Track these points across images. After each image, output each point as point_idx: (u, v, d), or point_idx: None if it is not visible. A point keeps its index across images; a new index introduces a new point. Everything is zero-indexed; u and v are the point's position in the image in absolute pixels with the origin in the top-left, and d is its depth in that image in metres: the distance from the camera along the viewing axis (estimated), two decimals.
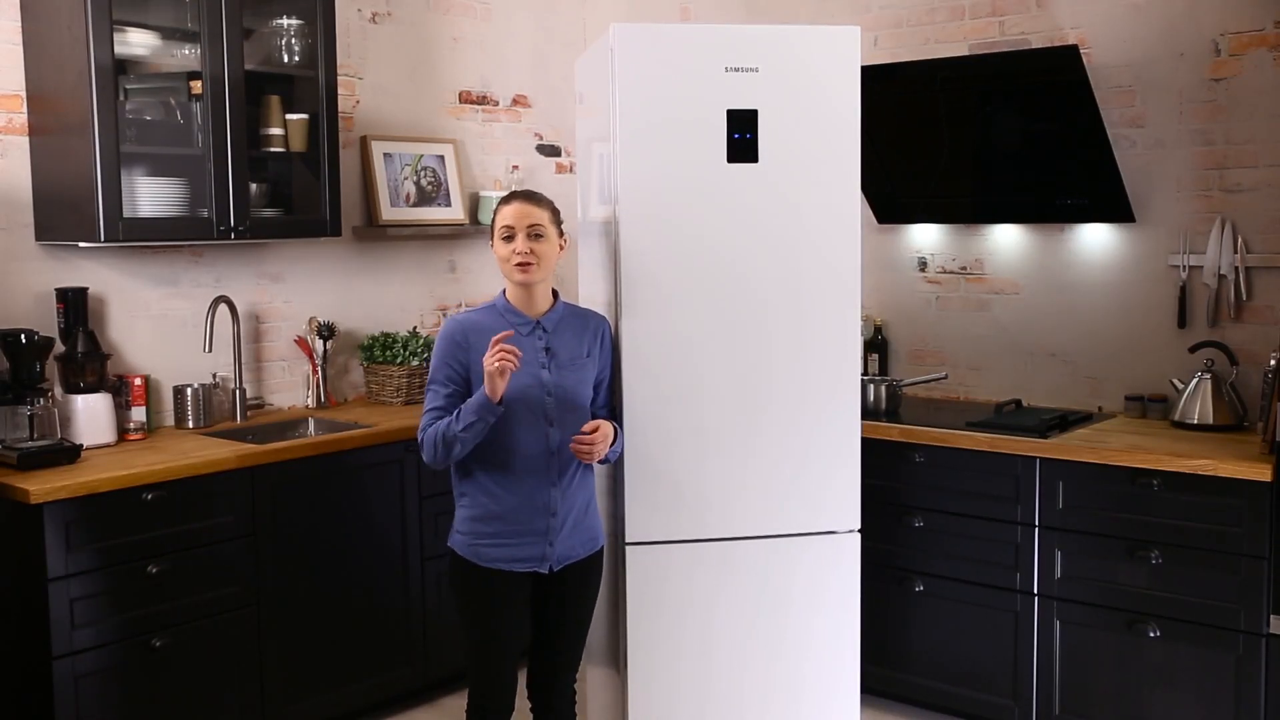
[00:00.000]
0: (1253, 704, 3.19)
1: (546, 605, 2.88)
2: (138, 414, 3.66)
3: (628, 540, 3.06)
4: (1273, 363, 3.27)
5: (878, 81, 3.64)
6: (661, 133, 3.01)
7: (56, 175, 3.51)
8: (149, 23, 3.58)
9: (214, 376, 3.98)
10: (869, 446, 3.33)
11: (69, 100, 3.41)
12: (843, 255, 3.12)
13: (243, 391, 4.01)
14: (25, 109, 3.56)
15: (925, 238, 4.31)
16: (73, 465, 3.26)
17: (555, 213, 2.84)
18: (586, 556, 2.90)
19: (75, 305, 3.55)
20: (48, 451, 3.25)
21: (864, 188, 3.50)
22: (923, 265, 4.33)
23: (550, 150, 5.10)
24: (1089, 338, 3.98)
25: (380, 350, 4.31)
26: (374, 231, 4.42)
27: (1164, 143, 3.77)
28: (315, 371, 4.23)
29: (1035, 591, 3.52)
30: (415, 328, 4.56)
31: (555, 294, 2.91)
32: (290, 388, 4.26)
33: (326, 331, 4.24)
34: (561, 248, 2.85)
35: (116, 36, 3.39)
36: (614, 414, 3.00)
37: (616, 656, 3.18)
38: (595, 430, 2.76)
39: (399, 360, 4.27)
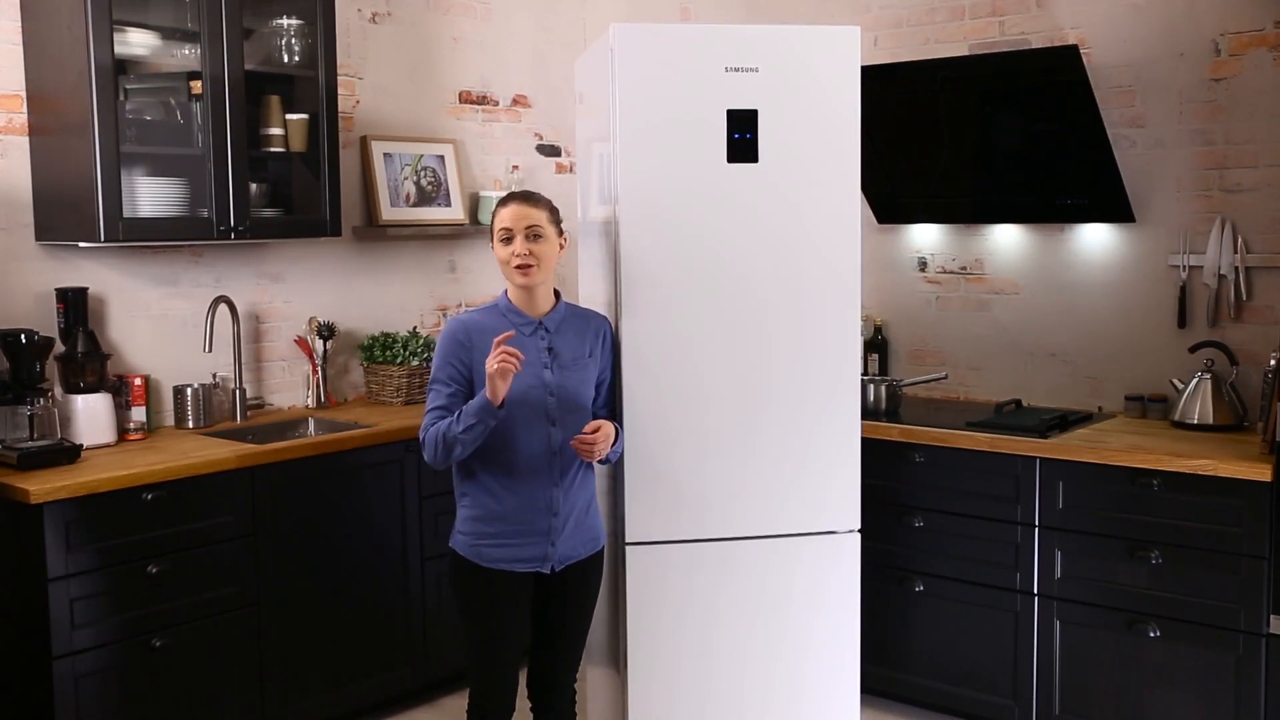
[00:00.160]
0: (1253, 704, 3.19)
1: (547, 605, 2.88)
2: (138, 414, 3.66)
3: (628, 540, 3.06)
4: (1273, 363, 3.27)
5: (878, 81, 3.64)
6: (661, 133, 3.01)
7: (56, 175, 3.51)
8: (149, 23, 3.58)
9: (214, 376, 3.98)
10: (869, 446, 3.33)
11: (69, 100, 3.41)
12: (843, 255, 3.12)
13: (243, 391, 4.01)
14: (25, 109, 3.56)
15: (925, 238, 4.31)
16: (73, 465, 3.26)
17: (553, 212, 2.84)
18: (588, 556, 2.90)
19: (75, 305, 3.55)
20: (48, 451, 3.25)
21: (864, 188, 3.50)
22: (923, 265, 4.33)
23: (550, 150, 5.10)
24: (1089, 338, 3.98)
25: (380, 350, 4.31)
26: (374, 231, 4.42)
27: (1164, 143, 3.77)
28: (315, 371, 4.23)
29: (1035, 591, 3.52)
30: (415, 328, 4.56)
31: (557, 294, 2.91)
32: (290, 388, 4.26)
33: (326, 331, 4.24)
34: (561, 247, 2.85)
35: (116, 36, 3.39)
36: (614, 414, 3.00)
37: (616, 656, 3.18)
38: (597, 430, 2.76)
39: (399, 360, 4.27)
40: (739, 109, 3.03)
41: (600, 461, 2.85)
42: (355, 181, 4.40)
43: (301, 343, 4.24)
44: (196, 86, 3.62)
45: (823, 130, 3.08)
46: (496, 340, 2.62)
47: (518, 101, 4.96)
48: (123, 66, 3.52)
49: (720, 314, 3.07)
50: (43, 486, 3.02)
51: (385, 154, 4.46)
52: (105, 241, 3.41)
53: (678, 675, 3.13)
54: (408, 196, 4.51)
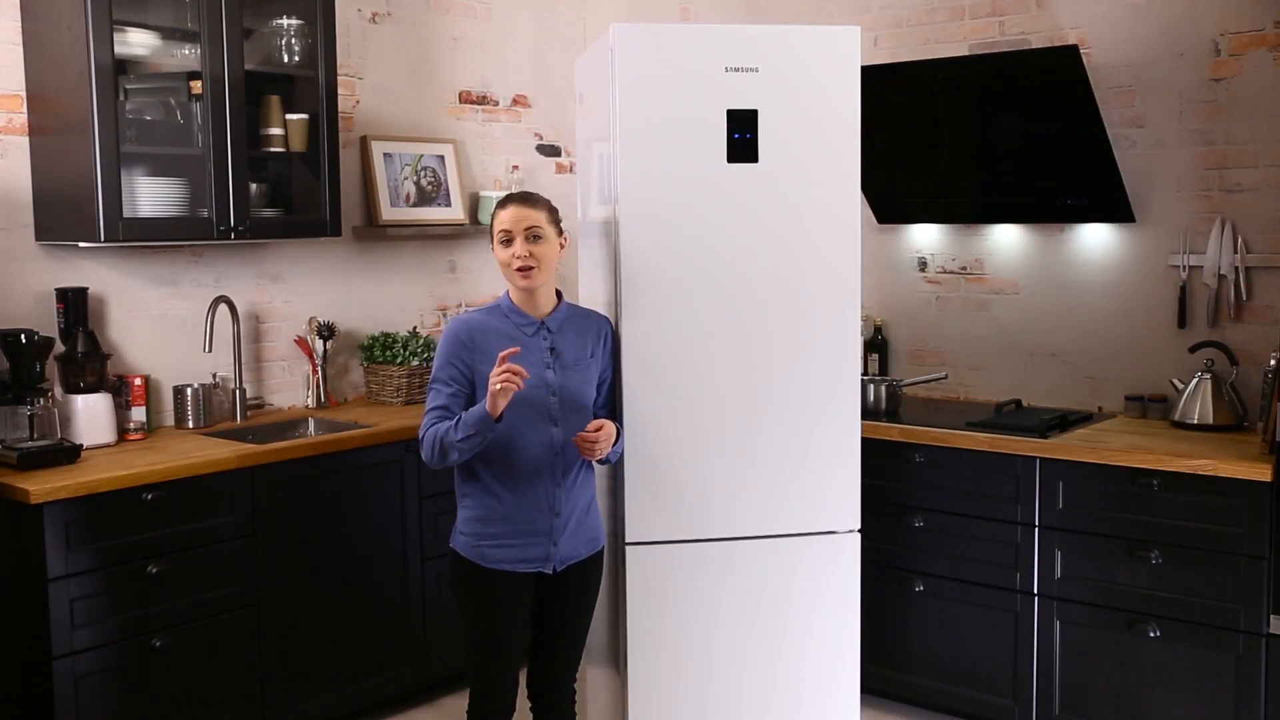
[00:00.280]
0: (1253, 704, 3.19)
1: (548, 605, 2.88)
2: (138, 414, 3.66)
3: (628, 540, 3.06)
4: (1273, 363, 3.27)
5: (878, 81, 3.64)
6: (661, 133, 3.01)
7: (56, 175, 3.51)
8: (149, 23, 3.58)
9: (214, 376, 3.98)
10: (869, 446, 3.33)
11: (69, 100, 3.41)
12: (843, 255, 3.12)
13: (243, 391, 4.01)
14: (25, 109, 3.56)
15: (925, 238, 4.31)
16: (73, 465, 3.26)
17: (553, 212, 2.84)
18: (588, 557, 2.90)
19: (75, 305, 3.55)
20: (48, 451, 3.25)
21: (864, 188, 3.50)
22: (923, 265, 4.33)
23: (550, 150, 5.10)
24: (1089, 338, 3.98)
25: (380, 350, 4.31)
26: (374, 231, 4.42)
27: (1164, 143, 3.77)
28: (315, 371, 4.23)
29: (1035, 591, 3.52)
30: (415, 328, 4.56)
31: (559, 294, 2.91)
32: (290, 388, 4.26)
33: (326, 331, 4.24)
34: (562, 247, 2.85)
35: (116, 36, 3.39)
36: (614, 414, 3.00)
37: (616, 656, 3.18)
38: (600, 429, 2.76)
39: (399, 360, 4.27)
40: (739, 109, 3.03)
41: (600, 461, 2.85)
42: (355, 181, 4.40)
43: (301, 343, 4.24)
44: (196, 86, 3.62)
45: (823, 130, 3.08)
46: (501, 355, 2.61)
47: (518, 101, 4.96)
48: (123, 66, 3.52)
49: (720, 314, 3.07)
50: (43, 486, 3.02)
51: (385, 154, 4.46)
52: (105, 241, 3.41)
53: (678, 675, 3.13)
54: (408, 196, 4.51)
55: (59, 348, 3.53)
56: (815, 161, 3.08)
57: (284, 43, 3.89)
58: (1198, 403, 3.59)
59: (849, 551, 3.19)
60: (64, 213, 3.49)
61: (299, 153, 3.95)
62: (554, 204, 2.87)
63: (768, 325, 3.09)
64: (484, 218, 4.61)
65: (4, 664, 3.22)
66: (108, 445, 3.52)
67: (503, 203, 2.82)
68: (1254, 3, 3.59)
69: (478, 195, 4.73)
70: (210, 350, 3.87)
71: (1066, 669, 3.50)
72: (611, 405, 3.00)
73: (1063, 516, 3.46)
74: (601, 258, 3.18)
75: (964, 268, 4.24)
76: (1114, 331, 3.93)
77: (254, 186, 3.81)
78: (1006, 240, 4.14)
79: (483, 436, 2.66)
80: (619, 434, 2.94)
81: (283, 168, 4.02)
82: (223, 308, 3.95)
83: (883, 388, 4.01)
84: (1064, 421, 3.69)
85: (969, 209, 4.18)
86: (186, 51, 3.64)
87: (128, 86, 3.59)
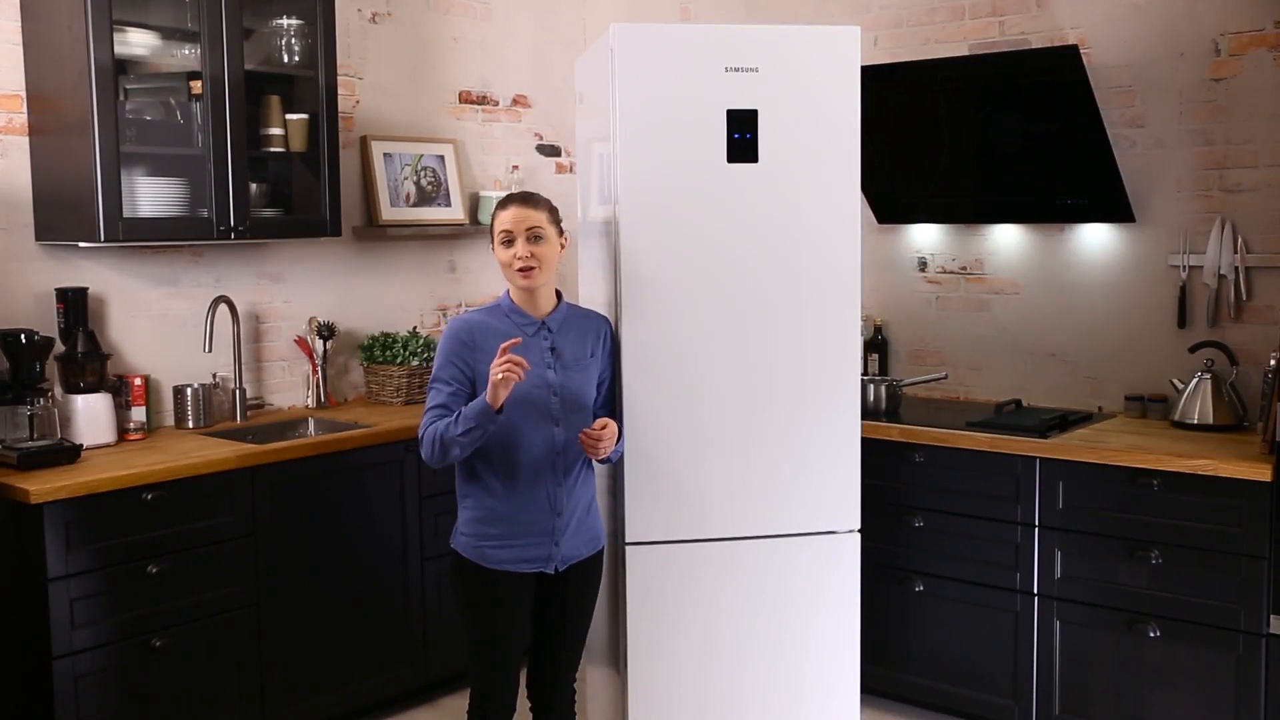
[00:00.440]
0: (1253, 704, 3.19)
1: (549, 605, 2.88)
2: (138, 414, 3.66)
3: (628, 540, 3.06)
4: (1273, 363, 3.27)
5: (878, 81, 3.64)
6: (661, 133, 3.01)
7: (56, 175, 3.51)
8: (149, 23, 3.58)
9: (214, 376, 3.98)
10: (869, 446, 3.33)
11: (69, 100, 3.41)
12: (843, 255, 3.12)
13: (243, 391, 4.01)
14: (25, 109, 3.56)
15: (925, 238, 4.31)
16: (73, 465, 3.26)
17: (553, 212, 2.84)
18: (589, 556, 2.90)
19: (75, 305, 3.55)
20: (48, 451, 3.25)
21: (864, 188, 3.50)
22: (923, 265, 4.33)
23: (550, 150, 5.10)
24: (1089, 338, 3.98)
25: (380, 350, 4.31)
26: (374, 231, 4.43)
27: (1164, 143, 3.77)
28: (315, 371, 4.23)
29: (1035, 591, 3.52)
30: (415, 328, 4.56)
31: (559, 294, 2.91)
32: (290, 388, 4.26)
33: (326, 331, 4.24)
34: (562, 247, 2.85)
35: (116, 36, 3.39)
36: (613, 414, 3.00)
37: (616, 656, 3.18)
38: (604, 427, 2.76)
39: (399, 360, 4.27)
40: (739, 109, 3.03)
41: (601, 461, 2.85)
42: (355, 181, 4.40)
43: (301, 343, 4.24)
44: (196, 86, 3.62)
45: (823, 130, 3.08)
46: (503, 346, 2.61)
47: (518, 101, 4.96)
48: (123, 66, 3.52)
49: (720, 314, 3.07)
50: (43, 486, 3.02)
51: (385, 154, 4.46)
52: (105, 241, 3.41)
53: (678, 675, 3.13)
54: (408, 196, 4.51)
55: (59, 348, 3.53)
56: (815, 161, 3.08)
57: (284, 43, 3.89)
58: (1198, 403, 3.59)
59: (849, 551, 3.19)
60: (64, 213, 3.49)
61: (299, 153, 3.95)
62: (554, 204, 2.87)
63: (768, 325, 3.09)
64: (484, 218, 4.61)
65: (4, 664, 3.22)
66: (108, 445, 3.52)
67: (503, 203, 2.82)
68: (1254, 3, 3.59)
69: (478, 195, 4.73)
70: (210, 350, 3.87)
71: (1066, 669, 3.50)
72: (611, 405, 3.00)
73: (1063, 516, 3.46)
74: (601, 258, 3.18)
75: (964, 268, 4.24)
76: (1114, 331, 3.93)
77: (254, 186, 3.81)
78: (1006, 240, 4.14)
79: (483, 429, 2.65)
80: (620, 434, 2.94)
81: (283, 168, 4.02)
82: (223, 308, 3.95)
83: (883, 388, 4.01)
84: (1064, 421, 3.69)
85: (969, 209, 4.18)
86: (186, 51, 3.64)
87: (128, 86, 3.59)
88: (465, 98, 4.76)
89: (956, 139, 4.06)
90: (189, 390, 3.84)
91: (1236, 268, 3.65)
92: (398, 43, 4.52)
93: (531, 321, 2.82)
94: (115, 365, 3.71)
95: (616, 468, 3.07)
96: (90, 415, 3.49)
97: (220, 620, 3.39)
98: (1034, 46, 3.95)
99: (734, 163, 3.04)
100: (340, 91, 4.03)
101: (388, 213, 4.43)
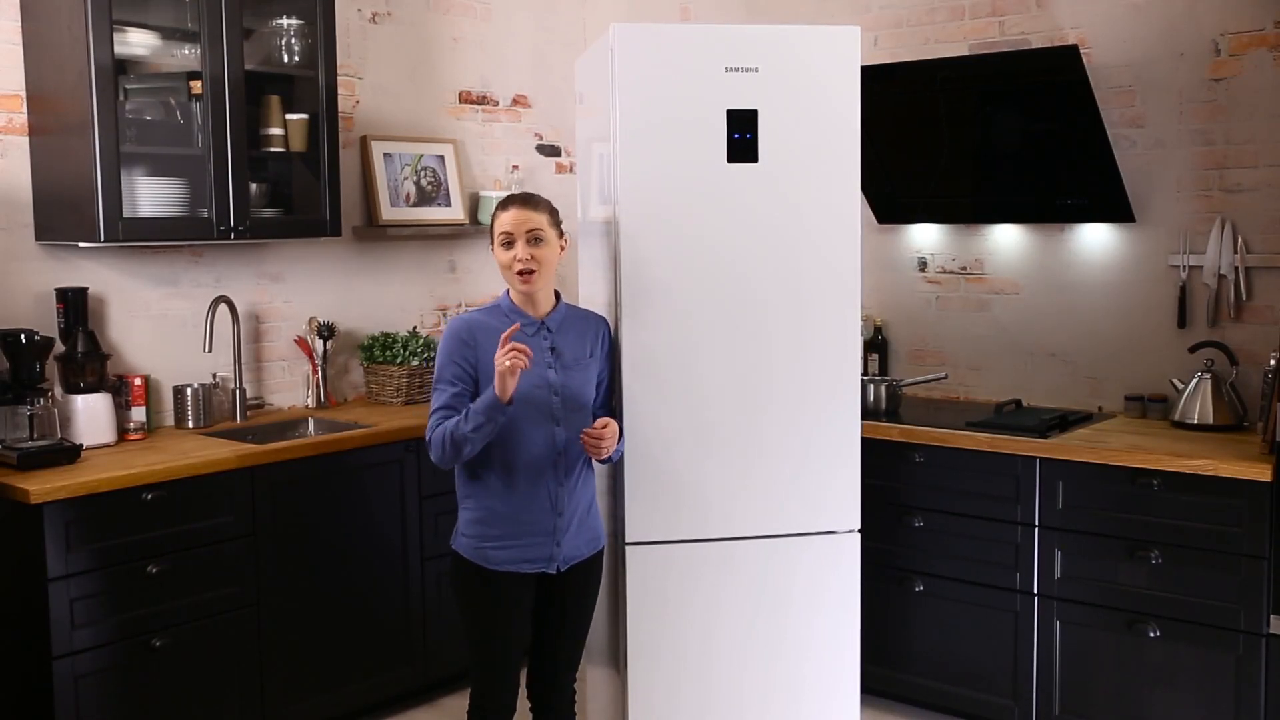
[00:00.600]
0: (1253, 704, 3.19)
1: (549, 606, 2.88)
2: (138, 414, 3.66)
3: (628, 540, 3.06)
4: (1273, 363, 3.27)
5: (878, 81, 3.64)
6: (661, 133, 3.01)
7: (56, 175, 3.51)
8: (149, 23, 3.58)
9: (214, 376, 3.98)
10: (869, 446, 3.33)
11: (69, 100, 3.41)
12: (843, 255, 3.12)
13: (243, 391, 4.01)
14: (25, 109, 3.56)
15: (925, 238, 4.31)
16: (73, 465, 3.26)
17: (553, 213, 2.84)
18: (589, 556, 2.91)
19: (75, 305, 3.55)
20: (48, 451, 3.25)
21: (864, 188, 3.50)
22: (923, 265, 4.33)
23: (550, 150, 5.10)
24: (1089, 338, 3.98)
25: (380, 350, 4.31)
26: (374, 231, 4.42)
27: (1164, 143, 3.77)
28: (315, 371, 4.23)
29: (1035, 591, 3.52)
30: (415, 328, 4.56)
31: (557, 295, 2.91)
32: (290, 388, 4.26)
33: (326, 331, 4.24)
34: (562, 248, 2.85)
35: (116, 36, 3.39)
36: (612, 415, 3.00)
37: (616, 656, 3.18)
38: (605, 426, 2.76)
39: (399, 360, 4.27)
40: (739, 109, 3.03)
41: (601, 461, 2.85)
42: (355, 181, 4.40)
43: (301, 343, 4.24)
44: (196, 86, 3.62)
45: (823, 130, 3.08)
46: (504, 335, 2.61)
47: (518, 101, 4.96)
48: (123, 66, 3.52)
49: (720, 314, 3.07)
50: (43, 486, 3.02)
51: (385, 154, 4.46)
52: (105, 241, 3.41)
53: (678, 675, 3.13)
54: (408, 196, 4.51)
55: (59, 348, 3.53)
56: (815, 161, 3.08)
57: (284, 43, 3.89)
58: (1198, 403, 3.59)
59: (849, 551, 3.19)
60: (64, 213, 3.49)
61: (299, 153, 3.95)
62: (554, 204, 2.87)
63: (768, 325, 3.09)
64: (484, 218, 4.61)
65: (4, 664, 3.22)
66: (108, 445, 3.52)
67: (503, 204, 2.82)
68: (1254, 3, 3.59)
69: (478, 195, 4.73)
70: (210, 350, 3.87)
71: (1066, 669, 3.50)
72: (609, 405, 3.00)
73: (1063, 516, 3.46)
74: (601, 258, 3.18)
75: (964, 268, 4.24)
76: (1114, 331, 3.93)
77: (254, 186, 3.81)
78: (1006, 240, 4.14)
79: (494, 422, 2.65)
80: (620, 433, 2.94)
81: (283, 168, 4.02)
82: (223, 308, 3.95)
83: (883, 388, 4.01)
84: (1064, 421, 3.69)
85: (969, 209, 4.18)
86: (186, 51, 3.64)
87: (128, 86, 3.59)
88: (465, 98, 4.76)
89: (956, 139, 4.06)
90: (189, 390, 3.84)
91: (1236, 268, 3.65)
92: (398, 43, 4.52)
93: (531, 321, 2.83)
94: (115, 365, 3.71)
95: (616, 468, 3.07)
96: (90, 415, 3.49)
97: (220, 620, 3.39)
98: (1034, 46, 3.95)
99: (734, 163, 3.04)
100: (340, 91, 4.03)
101: (388, 213, 4.43)
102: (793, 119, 3.06)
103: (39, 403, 3.35)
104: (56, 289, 3.58)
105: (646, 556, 3.08)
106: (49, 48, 3.47)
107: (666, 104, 3.01)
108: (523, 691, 2.97)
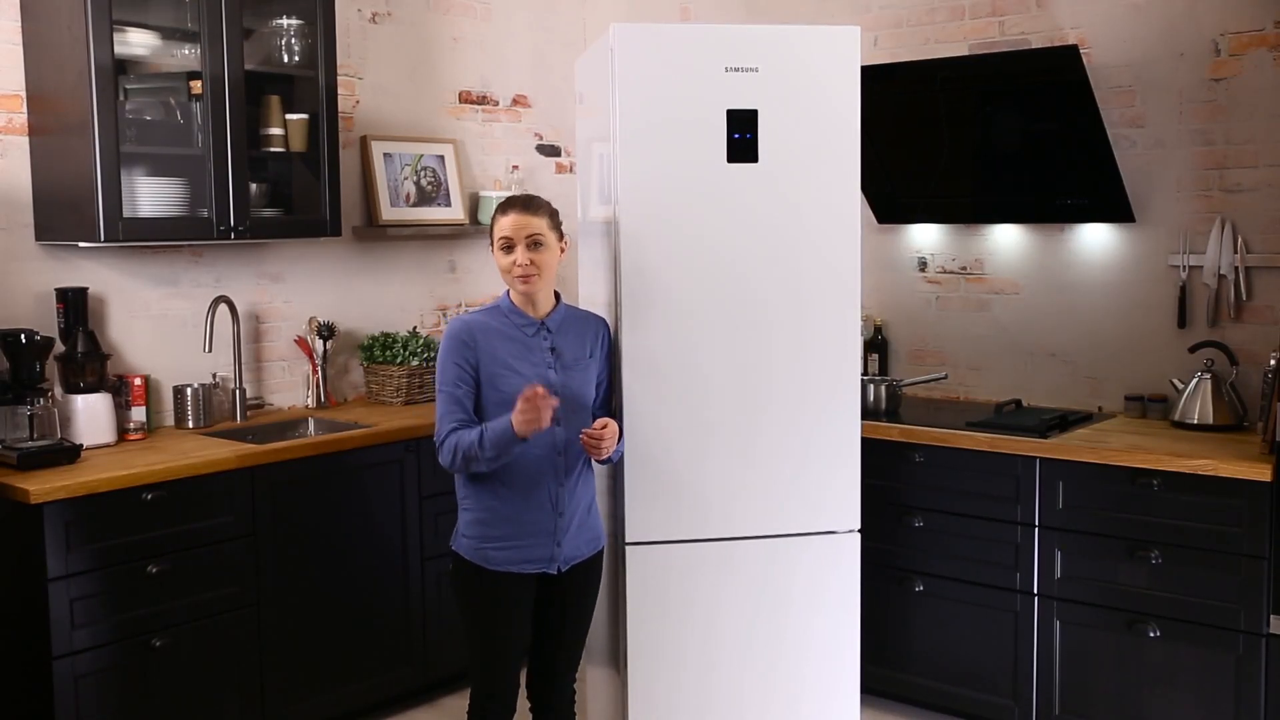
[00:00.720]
0: (1253, 704, 3.19)
1: (549, 606, 2.88)
2: (138, 414, 3.66)
3: (628, 540, 3.06)
4: (1273, 363, 3.27)
5: (878, 81, 3.64)
6: (661, 133, 3.01)
7: (56, 175, 3.51)
8: (149, 23, 3.58)
9: (214, 376, 3.98)
10: (869, 446, 3.33)
11: (69, 100, 3.41)
12: (843, 255, 3.12)
13: (243, 391, 4.01)
14: (25, 109, 3.56)
15: (925, 238, 4.31)
16: (73, 465, 3.26)
17: (553, 216, 2.84)
18: (590, 556, 2.91)
19: (75, 305, 3.55)
20: (48, 451, 3.25)
21: (864, 188, 3.50)
22: (923, 265, 4.33)
23: (550, 150, 5.10)
24: (1089, 338, 3.98)
25: (380, 350, 4.31)
26: (374, 231, 4.42)
27: (1164, 143, 3.77)
28: (315, 371, 4.23)
29: (1035, 591, 3.52)
30: (415, 328, 4.56)
31: (557, 295, 2.91)
32: (290, 388, 4.26)
33: (326, 331, 4.24)
34: (562, 250, 2.85)
35: (116, 36, 3.39)
36: (611, 415, 3.00)
37: (616, 656, 3.18)
38: (605, 427, 2.77)
39: (399, 360, 4.27)
40: (739, 109, 3.03)
41: (601, 461, 2.85)
42: (355, 181, 4.40)
43: (301, 343, 4.24)
44: (196, 86, 3.62)
45: (823, 130, 3.08)
46: (533, 393, 2.60)
47: (518, 101, 4.96)
48: (123, 66, 3.52)
49: (720, 314, 3.07)
50: (43, 486, 3.02)
51: (385, 154, 4.46)
52: (105, 241, 3.41)
53: (678, 675, 3.13)
54: (408, 196, 4.51)
55: (59, 348, 3.53)
56: (815, 161, 3.08)
57: (284, 43, 3.89)
58: (1198, 403, 3.59)
59: (849, 551, 3.19)
60: (64, 213, 3.49)
61: (299, 153, 3.95)
62: (554, 206, 2.86)
63: (768, 325, 3.09)
64: (484, 218, 4.61)
65: (4, 664, 3.22)
66: (108, 445, 3.52)
67: (503, 208, 2.81)
68: (1254, 3, 3.59)
69: (478, 195, 4.73)
70: (210, 350, 3.87)
71: (1066, 669, 3.50)
72: (608, 406, 3.00)
73: (1063, 516, 3.46)
74: (601, 258, 3.18)
75: (964, 268, 4.24)
76: (1114, 331, 3.93)
77: (254, 186, 3.81)
78: (1006, 240, 4.14)
79: (509, 454, 2.71)
80: (620, 434, 2.94)
81: (283, 168, 4.02)
82: (223, 308, 3.95)
83: (883, 388, 4.01)
84: (1064, 421, 3.69)
85: (969, 209, 4.18)
86: (186, 51, 3.64)
87: (128, 86, 3.59)
88: (465, 98, 4.76)
89: (956, 139, 4.06)
90: (189, 390, 3.84)
91: (1236, 268, 3.65)
92: (398, 43, 4.52)
93: (531, 322, 2.83)
94: (115, 365, 3.71)
95: (616, 468, 3.07)
96: (90, 415, 3.49)
97: (220, 620, 3.39)
98: (1034, 46, 3.95)
99: (734, 163, 3.04)
100: (340, 91, 4.03)
101: (388, 213, 4.43)
102: (793, 119, 3.06)
103: (39, 403, 3.35)
104: (56, 289, 3.58)
105: (646, 556, 3.08)
106: (49, 48, 3.47)
107: (666, 104, 3.01)
108: (523, 691, 2.97)
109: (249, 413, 4.03)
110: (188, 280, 3.95)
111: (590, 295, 3.31)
